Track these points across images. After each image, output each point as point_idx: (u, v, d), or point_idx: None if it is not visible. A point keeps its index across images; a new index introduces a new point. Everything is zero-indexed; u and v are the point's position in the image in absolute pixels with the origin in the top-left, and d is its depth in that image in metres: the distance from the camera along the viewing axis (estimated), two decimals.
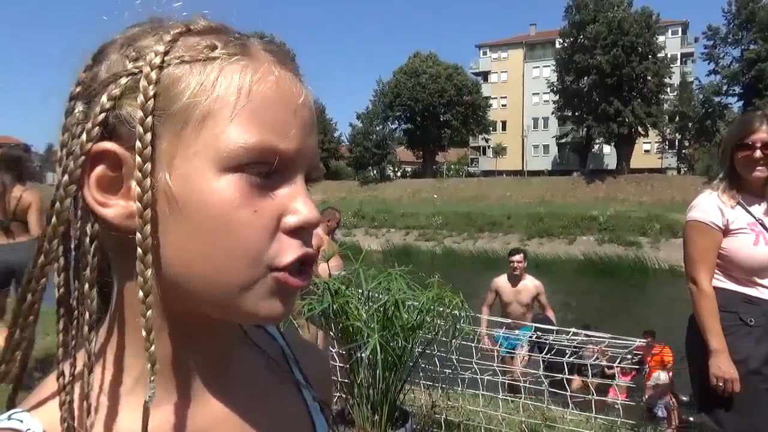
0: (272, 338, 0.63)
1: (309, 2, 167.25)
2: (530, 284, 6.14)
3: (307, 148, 0.47)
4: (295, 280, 0.46)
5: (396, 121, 56.74)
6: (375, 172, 53.90)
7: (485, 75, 65.33)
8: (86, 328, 0.46)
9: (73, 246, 0.47)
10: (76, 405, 0.45)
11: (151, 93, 0.43)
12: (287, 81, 0.47)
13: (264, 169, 0.44)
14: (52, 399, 0.46)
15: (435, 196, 42.27)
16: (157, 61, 0.44)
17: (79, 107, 0.46)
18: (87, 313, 0.46)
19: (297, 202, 0.46)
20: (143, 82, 0.43)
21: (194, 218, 0.44)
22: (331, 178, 51.34)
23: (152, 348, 0.44)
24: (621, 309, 16.47)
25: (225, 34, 0.47)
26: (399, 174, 60.33)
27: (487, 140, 61.50)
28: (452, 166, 59.49)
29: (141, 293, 0.43)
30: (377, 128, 54.28)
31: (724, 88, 45.33)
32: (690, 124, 47.61)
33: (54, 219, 0.45)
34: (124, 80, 0.44)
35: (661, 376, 5.55)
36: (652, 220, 28.04)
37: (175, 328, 0.48)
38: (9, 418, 0.46)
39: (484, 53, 67.05)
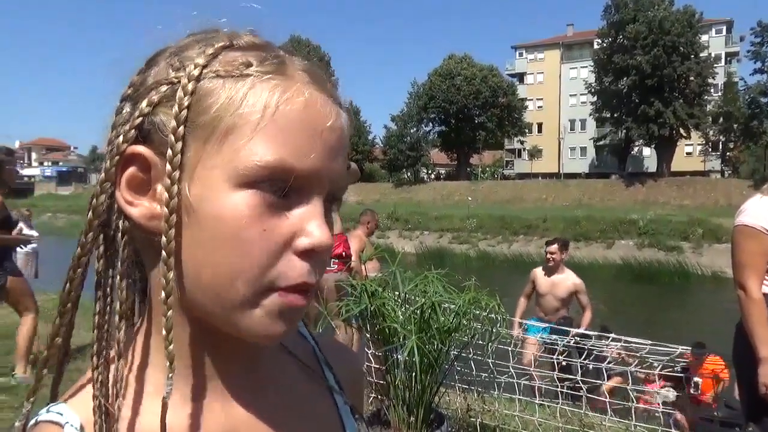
0: (304, 339, 0.64)
1: (344, 5, 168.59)
2: (569, 280, 5.84)
3: (328, 170, 0.47)
4: (296, 298, 0.46)
5: (430, 123, 56.62)
6: (409, 174, 53.90)
7: (521, 76, 64.59)
8: (116, 317, 0.49)
9: (110, 238, 0.49)
10: (107, 385, 0.47)
11: (186, 104, 0.44)
12: (317, 103, 0.47)
13: (279, 188, 0.45)
14: (88, 390, 0.48)
15: (469, 198, 41.97)
16: (196, 73, 0.45)
17: (127, 108, 0.48)
18: (116, 303, 0.49)
19: (311, 224, 0.46)
20: (180, 93, 0.45)
21: (206, 229, 0.45)
22: (365, 181, 51.51)
23: (171, 346, 0.45)
24: (661, 315, 16.05)
25: (266, 51, 0.48)
26: (433, 176, 60.18)
27: (522, 142, 60.79)
28: (487, 169, 58.98)
29: (163, 294, 0.45)
30: (411, 130, 54.27)
31: None
32: (735, 126, 46.04)
33: (90, 213, 0.47)
34: (164, 88, 0.46)
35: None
36: (694, 224, 27.24)
37: (200, 328, 0.49)
38: (48, 410, 0.48)
39: (520, 54, 66.31)
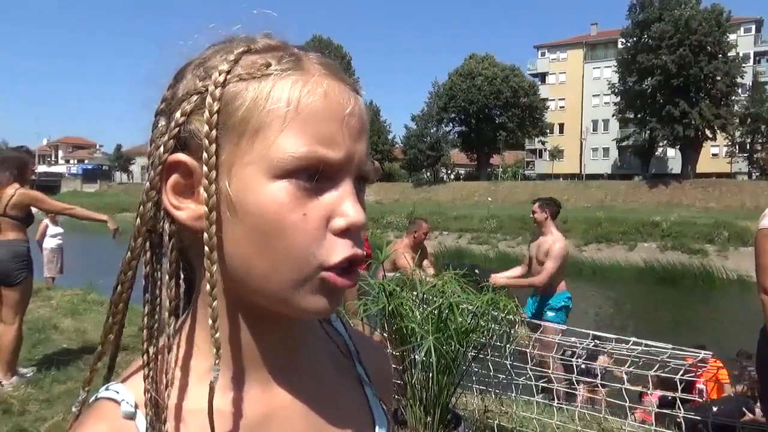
0: (337, 332, 0.67)
1: (366, 5, 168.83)
2: (548, 241, 5.38)
3: (355, 154, 0.51)
4: (342, 280, 0.50)
5: (450, 123, 56.43)
6: (428, 174, 53.80)
7: (543, 76, 64.04)
8: (166, 314, 0.53)
9: (156, 242, 0.53)
10: (157, 379, 0.51)
11: (215, 109, 0.48)
12: (335, 92, 0.50)
13: (312, 175, 0.48)
14: (140, 378, 0.52)
15: (489, 199, 41.74)
16: (221, 79, 0.49)
17: (162, 121, 0.52)
18: (167, 301, 0.53)
19: (345, 204, 0.50)
20: (209, 99, 0.49)
21: (250, 220, 0.49)
22: (385, 180, 51.57)
23: (217, 335, 0.49)
24: (684, 319, 15.79)
25: (282, 51, 0.52)
26: (452, 176, 59.96)
27: (543, 143, 60.25)
28: (507, 169, 58.59)
29: (208, 286, 0.49)
30: (431, 130, 54.15)
31: None
32: (763, 127, 45.03)
33: (138, 220, 0.52)
34: (194, 98, 0.50)
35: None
36: (719, 227, 26.70)
37: (245, 319, 0.54)
38: (107, 389, 0.53)
39: (543, 54, 65.74)
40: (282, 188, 0.48)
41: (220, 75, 0.49)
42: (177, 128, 0.50)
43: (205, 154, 0.48)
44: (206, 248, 0.49)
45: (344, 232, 0.50)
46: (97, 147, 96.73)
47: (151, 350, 0.52)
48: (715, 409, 4.18)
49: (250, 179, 0.48)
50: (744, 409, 4.47)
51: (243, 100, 0.49)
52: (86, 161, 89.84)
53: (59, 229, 10.63)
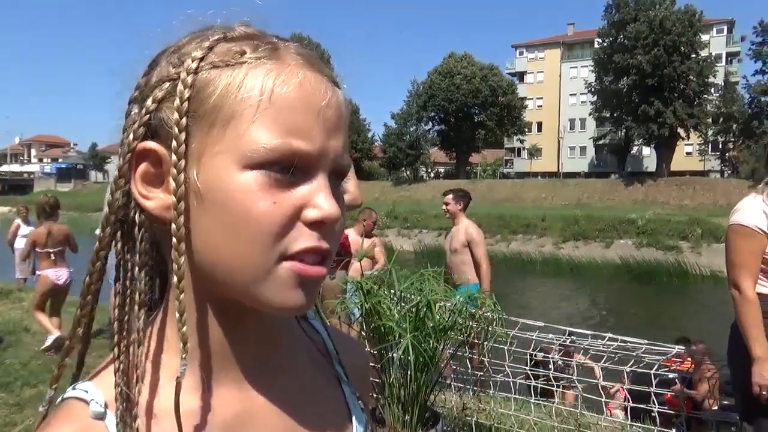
0: (315, 331, 0.66)
1: (344, 3, 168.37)
2: (461, 230, 5.21)
3: (329, 148, 0.49)
4: (308, 267, 0.48)
5: (430, 122, 56.56)
6: (408, 172, 53.85)
7: (521, 75, 64.53)
8: (136, 307, 0.51)
9: (128, 232, 0.52)
10: (128, 373, 0.49)
11: (186, 96, 0.47)
12: (311, 83, 0.48)
13: (285, 168, 0.47)
14: (109, 373, 0.51)
15: None
16: (194, 66, 0.48)
17: (135, 109, 0.51)
18: (137, 294, 0.51)
19: (318, 197, 0.48)
20: (180, 86, 0.47)
21: (218, 209, 0.47)
22: (364, 179, 51.47)
23: (184, 329, 0.48)
24: (659, 315, 16.05)
25: (259, 39, 0.50)
26: (432, 175, 60.12)
27: (522, 141, 60.74)
28: (486, 167, 58.95)
29: (175, 278, 0.48)
30: (411, 129, 54.21)
31: None
32: (734, 126, 46.01)
33: (107, 209, 0.50)
34: (166, 85, 0.49)
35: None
36: (693, 224, 27.24)
37: (217, 314, 0.52)
38: (74, 388, 0.51)
39: (521, 53, 66.24)
40: (252, 178, 0.46)
41: (193, 62, 0.48)
42: (147, 115, 0.49)
43: (173, 142, 0.47)
44: (173, 239, 0.47)
45: (315, 224, 0.48)
46: (72, 145, 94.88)
47: (122, 343, 0.50)
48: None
49: (220, 169, 0.47)
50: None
51: (215, 87, 0.47)
52: (60, 160, 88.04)
53: (31, 229, 10.37)
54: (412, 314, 2.83)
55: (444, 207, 5.41)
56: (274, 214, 0.47)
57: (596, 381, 3.46)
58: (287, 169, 0.47)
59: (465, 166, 56.98)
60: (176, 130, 0.47)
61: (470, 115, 52.92)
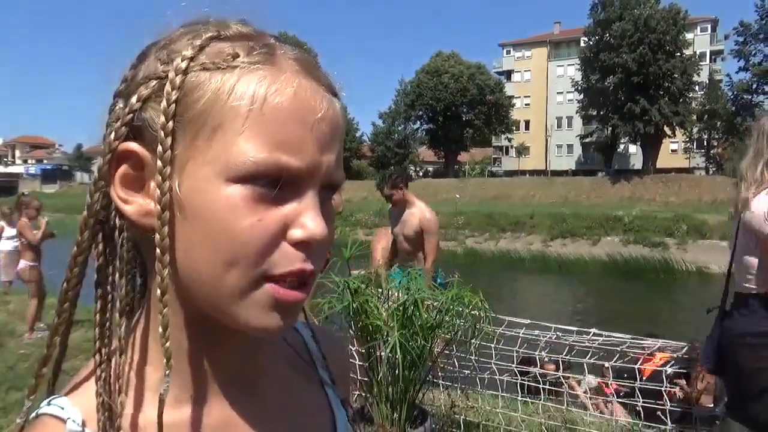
0: (297, 333, 0.64)
1: (330, 2, 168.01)
2: (416, 213, 4.67)
3: (321, 164, 0.46)
4: (287, 292, 0.45)
5: (418, 121, 56.66)
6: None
7: (508, 74, 64.76)
8: (117, 315, 0.49)
9: (109, 235, 0.49)
10: (109, 383, 0.47)
11: (174, 98, 0.44)
12: (306, 92, 0.45)
13: (272, 183, 0.44)
14: (89, 384, 0.48)
15: (457, 195, 42.03)
16: (183, 65, 0.44)
17: (120, 104, 0.47)
18: (117, 300, 0.49)
19: (305, 216, 0.45)
20: (167, 87, 0.44)
21: (200, 223, 0.44)
22: (353, 178, 51.41)
23: (167, 343, 0.45)
24: (646, 311, 16.21)
25: (254, 40, 0.47)
26: (421, 174, 60.19)
27: (509, 140, 61.01)
28: (474, 166, 59.15)
29: (158, 291, 0.45)
30: (399, 128, 54.28)
31: (755, 85, 44.21)
32: (719, 123, 46.53)
33: (85, 211, 0.47)
34: (153, 83, 0.45)
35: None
36: (679, 221, 27.53)
37: (197, 327, 0.49)
38: (49, 403, 0.48)
39: (508, 52, 66.48)
40: (237, 192, 0.43)
41: (182, 61, 0.44)
42: (131, 114, 0.45)
43: (159, 147, 0.44)
44: (158, 250, 0.45)
45: (302, 245, 0.45)
46: (57, 146, 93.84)
47: (104, 351, 0.48)
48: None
49: (203, 180, 0.44)
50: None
51: (203, 92, 0.44)
52: (45, 161, 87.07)
53: (14, 231, 10.24)
54: (400, 313, 2.85)
55: (387, 200, 4.87)
56: (258, 233, 0.44)
57: (582, 377, 3.49)
58: (275, 184, 0.44)
59: (453, 164, 57.13)
60: (162, 134, 0.44)
61: (458, 113, 53.08)
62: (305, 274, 0.46)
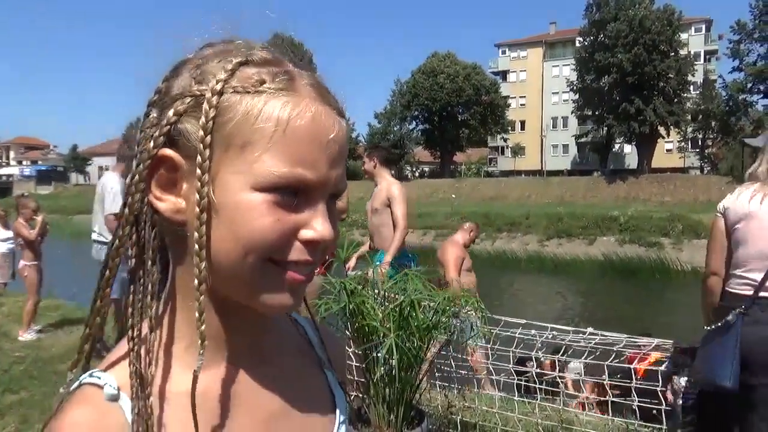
0: (297, 321, 0.74)
1: (327, 2, 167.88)
2: (384, 186, 4.72)
3: (331, 177, 0.55)
4: (295, 274, 0.55)
5: (414, 121, 56.67)
6: (393, 172, 53.78)
7: (504, 74, 64.91)
8: (148, 297, 0.57)
9: (141, 229, 0.57)
10: (141, 356, 0.55)
11: (211, 116, 0.52)
12: (322, 117, 0.54)
13: (290, 192, 0.53)
14: (122, 359, 0.56)
15: (453, 196, 42.10)
16: (218, 87, 0.52)
17: (154, 113, 0.56)
18: (150, 285, 0.57)
19: (316, 221, 0.54)
20: (205, 106, 0.52)
21: (228, 221, 0.53)
22: (349, 178, 50.24)
23: (203, 327, 0.53)
24: (642, 310, 16.26)
25: (277, 67, 0.55)
26: (417, 174, 60.21)
27: (505, 140, 61.09)
28: (471, 166, 59.24)
29: (196, 281, 0.53)
30: (395, 128, 54.27)
31: (749, 85, 44.41)
32: (713, 123, 46.72)
33: (126, 210, 0.56)
34: (188, 99, 0.53)
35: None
36: (674, 220, 27.57)
37: (219, 308, 0.58)
38: (91, 375, 0.56)
39: (503, 52, 66.60)
40: (261, 198, 0.52)
41: (217, 83, 0.52)
42: (169, 126, 0.53)
43: (199, 158, 0.52)
44: (195, 246, 0.53)
45: (310, 243, 0.54)
46: (52, 147, 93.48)
47: (136, 328, 0.55)
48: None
49: (233, 187, 0.52)
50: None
51: (234, 113, 0.52)
52: (40, 162, 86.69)
53: (10, 233, 10.21)
54: (396, 314, 2.85)
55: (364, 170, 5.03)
56: (276, 229, 0.52)
57: (578, 377, 3.50)
58: (293, 193, 0.53)
59: (449, 165, 57.16)
60: (201, 146, 0.52)
61: (454, 114, 53.14)
62: (309, 263, 0.55)
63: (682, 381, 2.67)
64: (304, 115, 0.53)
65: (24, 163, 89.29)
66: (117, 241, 0.56)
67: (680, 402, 2.68)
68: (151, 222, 0.57)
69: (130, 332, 0.55)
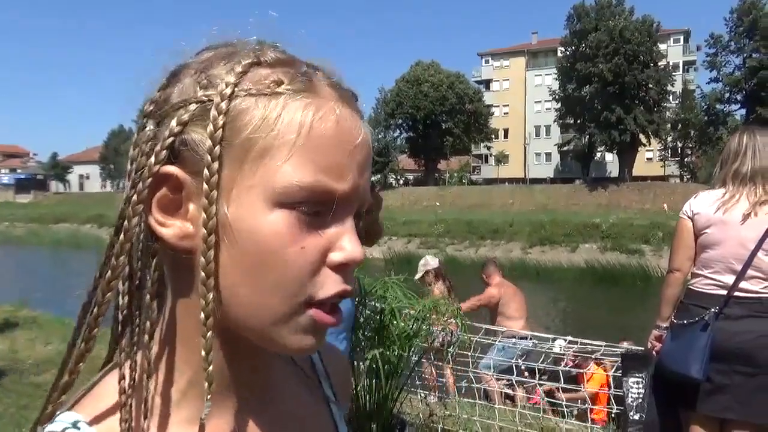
0: None
1: (310, 10, 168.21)
2: None
3: (359, 187, 0.48)
4: (328, 317, 0.47)
5: (398, 129, 56.84)
6: (377, 180, 53.99)
7: (487, 83, 65.44)
8: (146, 337, 0.49)
9: (136, 259, 0.48)
10: (135, 408, 0.47)
11: (221, 123, 0.44)
12: (347, 120, 0.47)
13: (315, 206, 0.45)
14: (112, 411, 0.47)
15: (437, 203, 42.24)
16: (228, 92, 0.45)
17: (150, 125, 0.47)
18: (147, 323, 0.49)
19: (344, 240, 0.47)
20: (213, 112, 0.44)
21: (243, 248, 0.45)
22: None
23: (210, 368, 0.45)
24: (623, 317, 16.41)
25: (293, 67, 0.48)
26: (401, 182, 60.36)
27: (489, 148, 61.53)
28: (454, 174, 59.51)
29: (203, 315, 0.45)
30: (379, 136, 54.36)
31: (726, 95, 45.35)
32: (692, 132, 47.57)
33: (122, 236, 0.46)
34: (193, 107, 0.45)
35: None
36: (654, 227, 27.94)
37: (225, 346, 0.49)
38: (74, 426, 0.46)
39: (486, 61, 67.21)
40: (282, 218, 0.44)
41: (227, 87, 0.45)
42: (172, 138, 0.45)
43: (206, 172, 0.44)
44: (202, 274, 0.45)
45: (339, 267, 0.47)
46: (31, 155, 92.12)
47: (128, 375, 0.47)
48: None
49: (249, 204, 0.45)
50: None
51: (251, 117, 0.45)
52: (19, 170, 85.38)
53: None
54: (376, 322, 2.85)
55: None
56: (301, 261, 0.45)
57: (558, 384, 3.52)
58: (317, 208, 0.45)
59: (434, 173, 57.38)
60: (209, 158, 0.44)
61: (438, 122, 53.36)
62: (347, 294, 0.47)
63: (631, 381, 2.75)
64: (328, 118, 0.46)
65: (2, 171, 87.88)
66: (110, 272, 0.47)
67: (630, 401, 2.75)
68: (151, 251, 0.48)
69: (122, 383, 0.47)
